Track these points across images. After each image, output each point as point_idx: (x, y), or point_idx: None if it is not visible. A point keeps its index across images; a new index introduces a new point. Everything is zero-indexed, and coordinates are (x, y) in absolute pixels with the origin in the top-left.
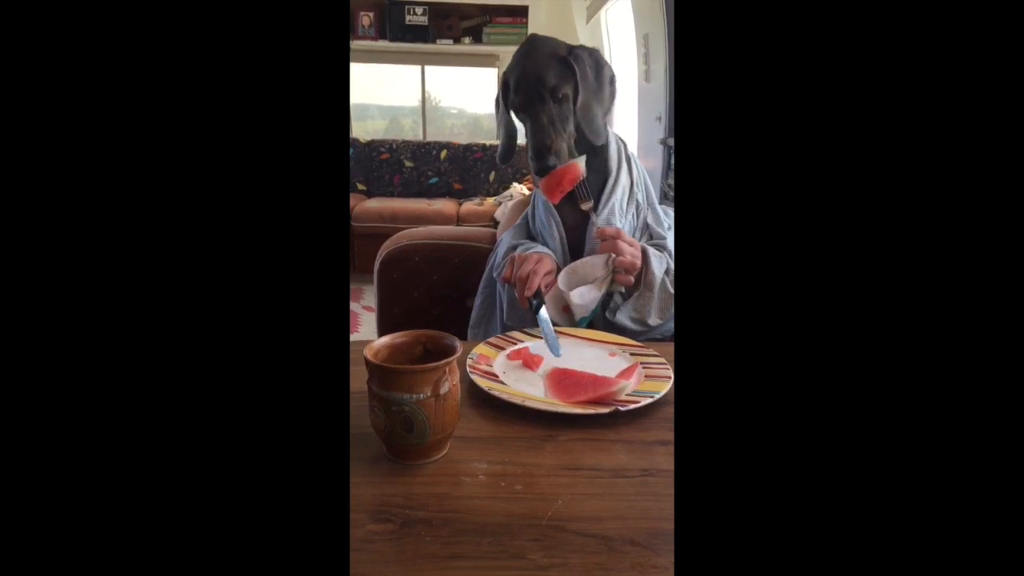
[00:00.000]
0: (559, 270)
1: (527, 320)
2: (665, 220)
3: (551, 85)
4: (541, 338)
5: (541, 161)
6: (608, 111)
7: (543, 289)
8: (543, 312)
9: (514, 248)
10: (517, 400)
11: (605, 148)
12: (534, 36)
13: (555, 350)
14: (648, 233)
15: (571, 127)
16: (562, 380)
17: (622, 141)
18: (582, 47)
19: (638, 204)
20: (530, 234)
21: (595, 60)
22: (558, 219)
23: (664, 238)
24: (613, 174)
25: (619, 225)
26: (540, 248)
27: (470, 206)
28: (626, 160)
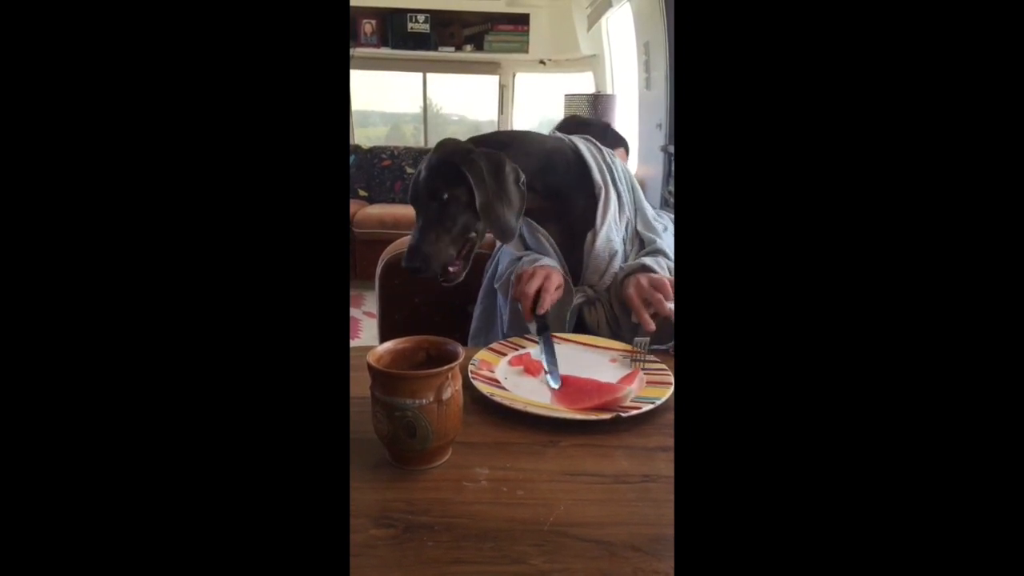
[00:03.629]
0: (567, 283)
1: (529, 333)
2: (657, 222)
3: (432, 187)
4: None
5: (407, 261)
6: (519, 211)
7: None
8: (544, 339)
9: (518, 260)
10: (519, 406)
11: (583, 165)
12: (442, 141)
13: (555, 380)
14: (639, 239)
15: (460, 224)
16: (567, 387)
17: (595, 145)
18: (483, 153)
19: (627, 213)
20: (527, 244)
21: (494, 163)
22: (546, 233)
23: (655, 240)
24: (603, 191)
25: (616, 241)
26: (546, 260)
27: None
28: (607, 168)
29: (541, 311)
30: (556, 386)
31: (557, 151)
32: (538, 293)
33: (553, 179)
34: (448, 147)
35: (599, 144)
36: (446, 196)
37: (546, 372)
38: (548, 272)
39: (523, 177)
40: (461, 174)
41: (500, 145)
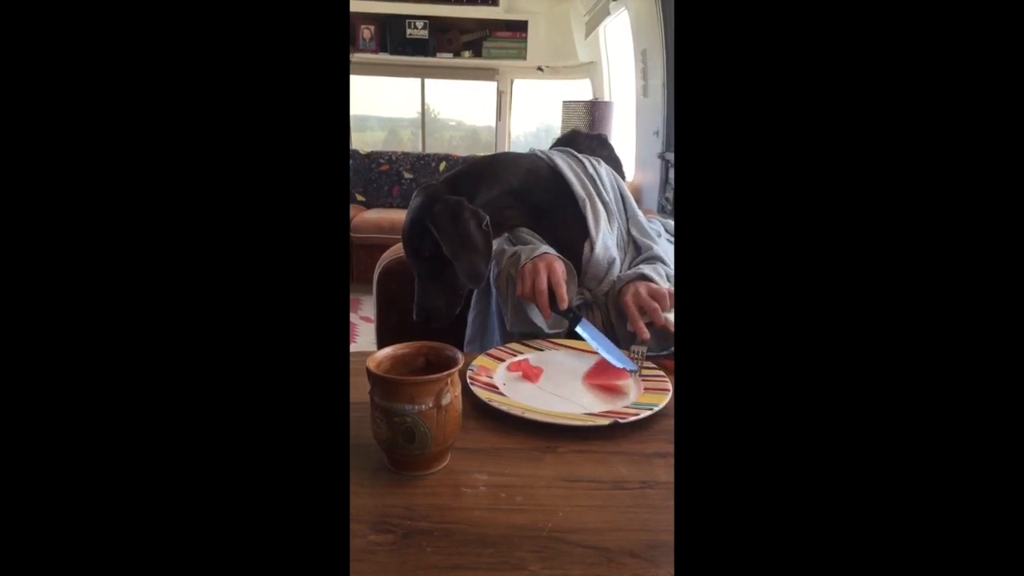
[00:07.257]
0: (569, 267)
1: (530, 325)
2: (651, 227)
3: (413, 246)
4: (540, 350)
5: (416, 316)
6: (486, 253)
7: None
8: (585, 326)
9: (513, 254)
10: (517, 412)
11: (562, 179)
12: (419, 190)
13: (626, 363)
14: (635, 245)
15: (449, 275)
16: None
17: (575, 158)
18: (443, 202)
19: (617, 220)
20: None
21: (452, 211)
22: (538, 236)
23: (651, 247)
24: (587, 202)
25: (612, 248)
26: (545, 248)
27: None
28: (590, 178)
29: (563, 306)
30: (633, 368)
31: (532, 170)
32: (550, 287)
33: (533, 197)
34: (420, 201)
35: (580, 156)
36: (428, 254)
37: (615, 362)
38: (550, 262)
39: (486, 219)
40: (427, 232)
41: (471, 179)
